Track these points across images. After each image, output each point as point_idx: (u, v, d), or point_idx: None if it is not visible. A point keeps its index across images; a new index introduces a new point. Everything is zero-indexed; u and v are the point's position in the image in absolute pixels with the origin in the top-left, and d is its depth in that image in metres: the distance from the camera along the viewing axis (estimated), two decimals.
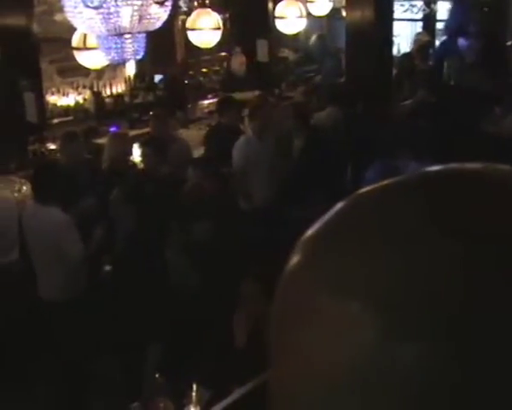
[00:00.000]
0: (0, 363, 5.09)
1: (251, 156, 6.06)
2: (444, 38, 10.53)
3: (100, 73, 8.66)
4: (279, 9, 8.60)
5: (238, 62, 9.65)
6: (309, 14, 9.07)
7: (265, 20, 9.90)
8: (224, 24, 8.21)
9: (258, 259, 4.93)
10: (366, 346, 0.45)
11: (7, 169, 6.76)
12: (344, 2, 9.44)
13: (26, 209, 5.11)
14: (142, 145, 6.24)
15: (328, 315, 0.47)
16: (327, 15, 9.97)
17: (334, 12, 10.32)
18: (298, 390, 0.48)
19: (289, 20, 8.45)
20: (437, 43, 11.19)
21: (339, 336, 0.46)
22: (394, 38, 9.30)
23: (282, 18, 8.51)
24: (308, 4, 9.08)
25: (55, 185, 4.74)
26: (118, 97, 9.05)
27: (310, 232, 0.52)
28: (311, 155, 6.06)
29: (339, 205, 0.53)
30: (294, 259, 0.51)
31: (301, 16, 8.48)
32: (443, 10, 11.98)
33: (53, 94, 8.48)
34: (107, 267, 4.98)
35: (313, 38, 11.24)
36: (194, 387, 3.42)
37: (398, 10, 10.83)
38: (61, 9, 7.20)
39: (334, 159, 6.30)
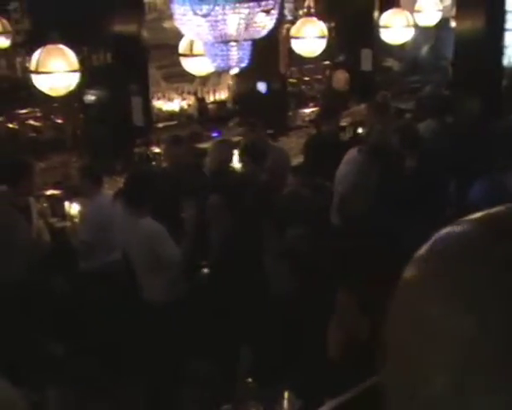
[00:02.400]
0: (98, 360, 5.25)
1: (355, 171, 5.97)
2: None
3: (204, 80, 8.85)
4: (385, 19, 8.47)
5: (340, 79, 9.57)
6: (416, 24, 8.88)
7: (370, 30, 9.80)
8: (329, 33, 8.18)
9: (354, 271, 4.86)
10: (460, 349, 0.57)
11: (113, 170, 7.03)
12: (453, 12, 9.21)
13: (120, 217, 5.18)
14: (241, 152, 6.31)
15: (434, 325, 0.58)
16: (435, 25, 9.74)
17: (443, 22, 10.06)
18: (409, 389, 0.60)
19: (395, 30, 8.31)
20: None
21: (441, 343, 0.58)
22: (506, 49, 8.96)
23: (387, 27, 8.38)
24: (415, 14, 8.90)
25: (146, 198, 4.78)
26: (221, 104, 9.22)
27: (425, 250, 0.62)
28: (422, 173, 5.86)
29: (454, 227, 0.62)
30: (411, 272, 0.62)
31: (408, 26, 8.32)
32: None
33: (159, 99, 8.75)
34: (205, 270, 5.06)
35: (424, 48, 11.02)
36: (286, 394, 3.41)
37: None
38: (170, 17, 7.43)
39: (439, 173, 6.10)
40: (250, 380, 3.63)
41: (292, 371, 3.51)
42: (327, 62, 10.19)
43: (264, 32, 4.34)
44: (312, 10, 7.96)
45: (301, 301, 3.85)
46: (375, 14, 9.91)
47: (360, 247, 5.09)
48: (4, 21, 7.32)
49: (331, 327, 3.74)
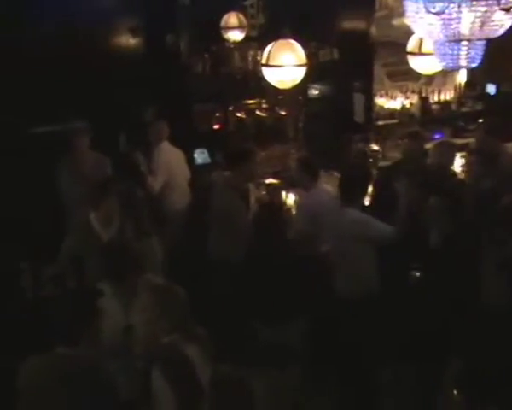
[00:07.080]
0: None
1: None
2: None
3: (429, 79, 8.64)
4: None
5: None
6: None
7: None
8: None
9: None
10: None
11: (331, 165, 7.14)
12: None
13: (331, 210, 5.23)
14: (468, 154, 6.08)
15: None
16: None
17: None
18: None
19: None
20: None
21: None
22: None
23: None
24: None
25: (360, 190, 4.88)
26: (445, 104, 8.94)
27: None
28: None
29: None
30: None
31: None
32: None
33: (381, 96, 8.68)
34: (416, 273, 4.95)
35: None
36: None
37: None
38: (399, 14, 7.34)
39: None
40: (455, 392, 3.51)
41: (503, 390, 3.34)
42: None
43: (500, 32, 4.12)
44: None
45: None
46: None
47: None
48: (241, 16, 7.74)
49: None
